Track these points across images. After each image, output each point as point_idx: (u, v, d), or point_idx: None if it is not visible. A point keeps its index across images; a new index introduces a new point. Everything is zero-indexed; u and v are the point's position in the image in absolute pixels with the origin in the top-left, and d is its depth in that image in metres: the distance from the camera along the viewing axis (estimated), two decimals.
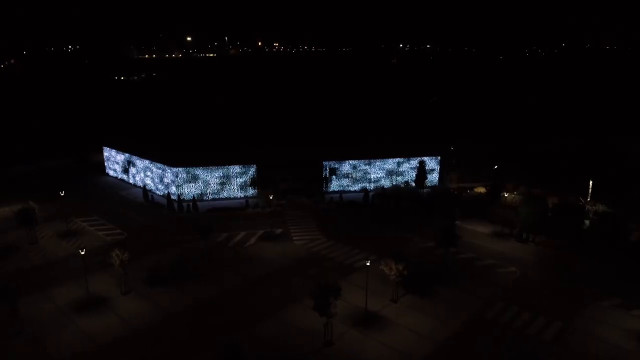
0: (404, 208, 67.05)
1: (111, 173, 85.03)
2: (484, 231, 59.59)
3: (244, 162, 70.94)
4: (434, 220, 62.25)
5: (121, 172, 72.89)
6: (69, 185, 76.25)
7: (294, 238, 58.20)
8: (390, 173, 72.98)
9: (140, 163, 76.78)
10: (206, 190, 70.93)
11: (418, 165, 68.96)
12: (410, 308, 42.70)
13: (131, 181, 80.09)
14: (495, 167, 68.91)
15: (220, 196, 71.47)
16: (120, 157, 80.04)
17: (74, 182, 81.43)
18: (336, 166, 70.39)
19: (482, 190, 71.48)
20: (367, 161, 72.70)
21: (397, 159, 73.76)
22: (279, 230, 59.96)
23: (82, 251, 43.17)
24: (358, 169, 73.03)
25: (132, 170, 71.95)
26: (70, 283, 47.71)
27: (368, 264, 40.78)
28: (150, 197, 71.32)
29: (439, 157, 74.72)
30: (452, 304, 43.49)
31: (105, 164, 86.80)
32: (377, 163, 73.40)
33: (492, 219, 62.07)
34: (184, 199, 69.00)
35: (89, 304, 43.52)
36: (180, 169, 69.23)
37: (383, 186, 72.84)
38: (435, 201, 66.49)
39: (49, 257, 53.80)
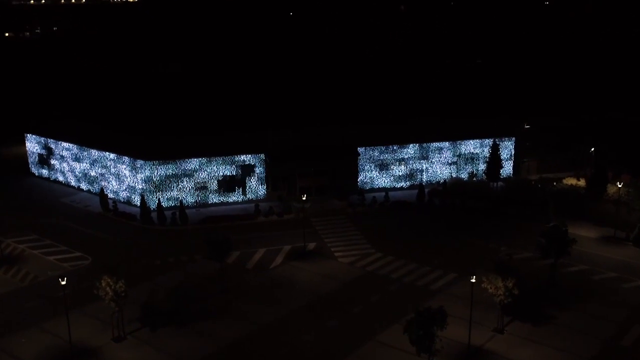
0: (474, 208, 70.02)
1: (45, 173, 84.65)
2: (588, 235, 63.09)
3: (246, 150, 72.36)
4: (519, 223, 65.51)
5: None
6: None
7: (337, 254, 60.10)
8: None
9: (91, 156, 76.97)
10: (194, 193, 72.03)
11: (490, 150, 72.10)
12: (523, 339, 45.22)
13: (74, 183, 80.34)
14: (592, 149, 72.91)
15: (215, 200, 72.86)
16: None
17: None
18: None
19: (573, 181, 75.49)
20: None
21: (461, 142, 77.29)
22: (312, 245, 61.77)
23: (63, 280, 43.37)
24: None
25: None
26: (30, 329, 47.79)
27: (473, 280, 43.06)
28: (111, 204, 71.64)
29: (513, 139, 78.55)
30: (576, 330, 46.27)
31: (30, 159, 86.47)
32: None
33: (596, 219, 65.98)
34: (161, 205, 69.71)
35: (70, 356, 43.60)
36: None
37: (444, 180, 76.02)
38: (516, 197, 69.96)
39: None
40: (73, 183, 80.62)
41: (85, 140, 78.23)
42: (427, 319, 38.02)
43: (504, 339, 45.27)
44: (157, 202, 68.89)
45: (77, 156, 78.56)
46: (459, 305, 47.86)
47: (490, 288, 44.46)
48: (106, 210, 71.37)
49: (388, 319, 47.83)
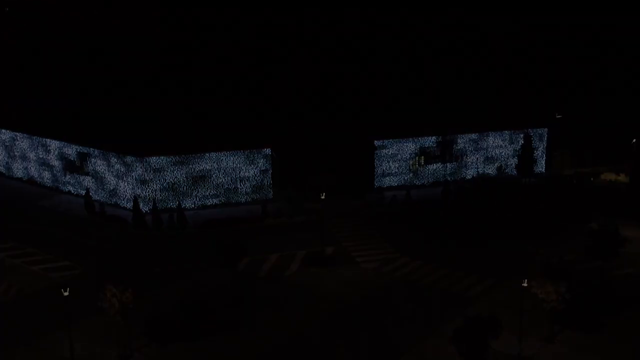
0: (505, 207, 70.86)
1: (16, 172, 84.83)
2: (634, 235, 63.30)
3: (250, 144, 72.95)
4: (555, 223, 66.80)
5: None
6: None
7: (358, 259, 60.70)
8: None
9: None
10: (192, 194, 72.60)
11: (523, 142, 73.06)
12: (577, 349, 45.94)
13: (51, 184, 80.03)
14: (634, 140, 74.28)
15: (214, 202, 73.52)
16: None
17: None
18: None
19: (612, 176, 76.78)
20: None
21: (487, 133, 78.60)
22: (329, 249, 62.24)
23: (66, 291, 43.28)
24: None
25: None
26: (24, 348, 47.46)
27: (525, 284, 43.78)
28: (99, 208, 71.60)
29: (546, 129, 79.70)
30: (632, 338, 47.14)
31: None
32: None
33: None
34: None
35: None
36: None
37: (472, 176, 77.10)
38: (550, 195, 70.93)
39: None
40: (51, 184, 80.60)
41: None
42: (479, 328, 38.68)
43: (556, 349, 45.89)
44: (152, 204, 69.15)
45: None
46: (501, 313, 48.13)
47: (541, 293, 45.28)
48: (92, 214, 71.41)
49: (425, 330, 48.31)
